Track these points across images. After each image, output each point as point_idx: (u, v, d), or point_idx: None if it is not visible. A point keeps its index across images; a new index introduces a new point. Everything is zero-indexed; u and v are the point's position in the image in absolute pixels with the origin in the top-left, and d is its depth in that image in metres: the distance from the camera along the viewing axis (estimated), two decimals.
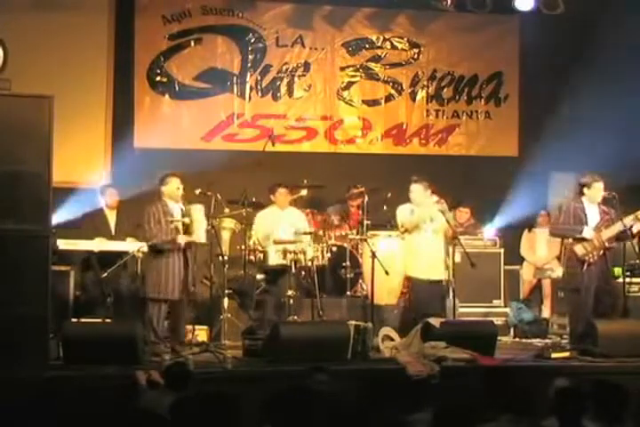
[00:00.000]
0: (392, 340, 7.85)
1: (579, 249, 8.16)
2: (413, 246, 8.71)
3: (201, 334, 8.43)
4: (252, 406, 4.05)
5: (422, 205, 8.65)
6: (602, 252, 8.15)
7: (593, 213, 8.28)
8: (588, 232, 8.15)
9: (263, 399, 4.08)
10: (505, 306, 9.77)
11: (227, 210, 9.30)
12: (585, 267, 8.11)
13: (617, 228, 8.16)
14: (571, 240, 8.31)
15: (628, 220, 8.17)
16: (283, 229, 8.97)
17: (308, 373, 5.82)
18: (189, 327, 8.33)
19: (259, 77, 11.15)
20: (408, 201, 8.76)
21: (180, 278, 7.86)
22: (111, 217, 9.23)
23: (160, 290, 7.84)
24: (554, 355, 7.69)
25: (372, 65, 11.45)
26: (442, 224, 8.69)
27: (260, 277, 9.09)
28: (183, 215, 7.99)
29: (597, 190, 8.21)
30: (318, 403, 4.17)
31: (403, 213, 8.72)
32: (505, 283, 9.87)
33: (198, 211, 8.08)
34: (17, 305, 6.66)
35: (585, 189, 8.27)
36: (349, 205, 10.26)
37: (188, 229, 7.96)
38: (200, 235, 8.06)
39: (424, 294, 8.56)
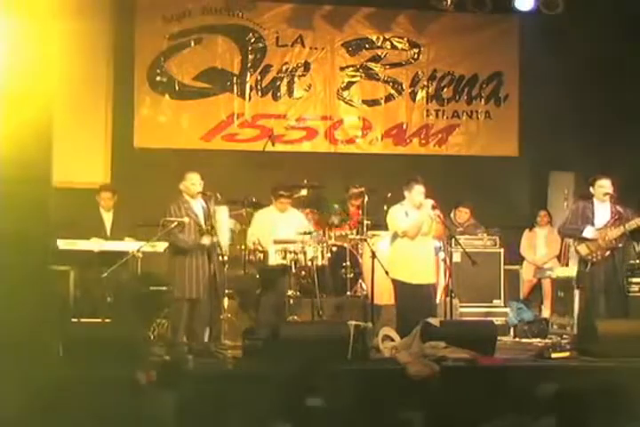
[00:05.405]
0: (392, 340, 7.82)
1: (582, 249, 8.14)
2: (401, 249, 8.26)
3: None
4: (253, 406, 4.05)
5: (417, 207, 8.22)
6: (608, 251, 8.08)
7: (602, 213, 8.17)
8: (589, 232, 8.11)
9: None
10: (505, 306, 9.78)
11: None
12: (589, 267, 8.09)
13: (628, 227, 8.00)
14: (576, 240, 8.27)
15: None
16: (285, 232, 8.91)
17: None
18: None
19: (259, 77, 11.16)
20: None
21: (205, 278, 7.87)
22: (107, 218, 9.22)
23: (183, 289, 7.86)
24: (554, 355, 7.67)
25: (372, 65, 11.45)
26: (430, 227, 8.28)
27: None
28: (205, 213, 7.92)
29: (601, 188, 8.13)
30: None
31: (399, 217, 8.24)
32: (505, 283, 9.87)
33: (222, 212, 8.04)
34: (17, 305, 6.65)
35: (591, 188, 8.22)
36: (349, 205, 10.26)
37: (211, 231, 7.90)
38: (224, 237, 8.03)
39: (409, 298, 8.18)
